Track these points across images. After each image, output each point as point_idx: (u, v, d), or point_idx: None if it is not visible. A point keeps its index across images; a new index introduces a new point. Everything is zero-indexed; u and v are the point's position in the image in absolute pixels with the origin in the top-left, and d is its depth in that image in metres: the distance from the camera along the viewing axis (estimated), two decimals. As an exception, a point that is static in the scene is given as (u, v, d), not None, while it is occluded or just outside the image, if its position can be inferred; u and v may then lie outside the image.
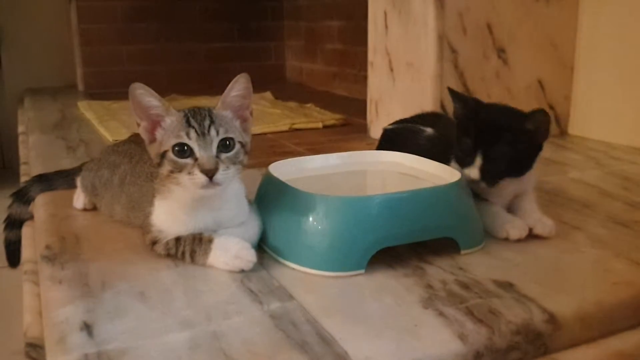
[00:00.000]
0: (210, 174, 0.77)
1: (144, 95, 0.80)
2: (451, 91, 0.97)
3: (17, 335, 0.91)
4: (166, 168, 0.79)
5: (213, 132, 0.78)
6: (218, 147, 0.78)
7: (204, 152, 0.77)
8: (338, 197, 0.83)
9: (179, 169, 0.78)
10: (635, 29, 1.49)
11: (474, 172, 0.91)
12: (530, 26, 1.57)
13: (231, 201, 0.85)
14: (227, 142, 0.79)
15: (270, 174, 0.92)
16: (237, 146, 0.80)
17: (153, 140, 0.82)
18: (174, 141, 0.78)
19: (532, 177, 0.96)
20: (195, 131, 0.78)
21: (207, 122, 0.79)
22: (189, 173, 0.77)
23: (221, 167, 0.78)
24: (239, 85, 0.83)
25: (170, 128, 0.80)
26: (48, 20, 3.00)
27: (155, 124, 0.82)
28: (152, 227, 0.86)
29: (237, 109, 0.84)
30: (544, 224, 0.91)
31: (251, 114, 0.86)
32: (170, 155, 0.78)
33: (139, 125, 0.82)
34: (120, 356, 0.61)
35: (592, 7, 1.60)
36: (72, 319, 0.68)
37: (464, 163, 0.92)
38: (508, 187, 0.93)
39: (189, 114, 0.80)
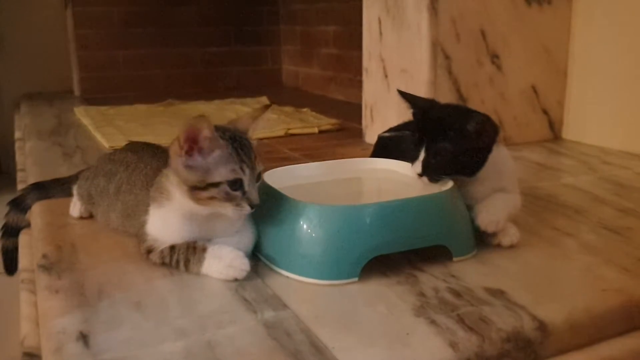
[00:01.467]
0: (256, 206, 0.82)
1: (207, 130, 0.79)
2: (400, 92, 0.99)
3: (14, 342, 0.92)
4: (209, 194, 0.80)
5: (257, 166, 0.83)
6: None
7: (252, 187, 0.82)
8: (332, 206, 0.84)
9: (228, 199, 0.81)
10: (628, 34, 1.51)
11: (417, 166, 0.92)
12: (524, 32, 1.58)
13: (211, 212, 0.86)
14: (260, 171, 0.85)
15: (264, 182, 0.93)
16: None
17: (191, 166, 0.81)
18: (231, 176, 0.80)
19: (505, 173, 0.96)
20: (247, 166, 0.81)
21: (252, 156, 0.82)
22: (237, 204, 0.81)
23: None
24: (266, 115, 0.87)
25: (222, 161, 0.80)
26: (44, 26, 3.01)
27: (198, 152, 0.81)
28: (147, 236, 0.87)
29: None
30: (487, 214, 0.90)
31: None
32: (225, 187, 0.80)
33: (181, 150, 0.80)
34: (116, 366, 0.62)
35: (585, 12, 1.61)
36: (68, 329, 0.69)
37: (412, 158, 0.94)
38: (474, 187, 0.94)
39: (237, 147, 0.81)
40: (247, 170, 0.81)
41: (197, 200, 0.81)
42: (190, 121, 0.79)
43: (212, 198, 0.81)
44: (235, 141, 0.82)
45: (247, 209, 0.81)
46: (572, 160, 1.48)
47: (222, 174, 0.80)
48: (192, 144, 0.80)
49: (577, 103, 1.66)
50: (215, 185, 0.80)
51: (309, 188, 1.00)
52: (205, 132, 0.79)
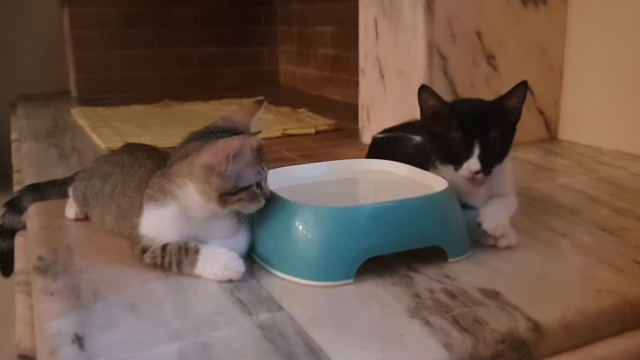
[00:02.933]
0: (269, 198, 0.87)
1: (254, 142, 0.83)
2: (426, 88, 0.95)
3: (9, 345, 0.92)
4: (239, 197, 0.83)
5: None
6: None
7: (266, 182, 0.87)
8: (327, 207, 0.85)
9: (253, 198, 0.84)
10: (623, 34, 1.51)
11: (474, 163, 0.90)
12: (520, 33, 1.58)
13: (224, 214, 0.86)
14: None
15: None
16: None
17: (226, 175, 0.82)
18: (258, 177, 0.84)
19: (505, 176, 0.97)
20: (265, 164, 0.86)
21: (264, 155, 0.86)
22: (259, 201, 0.85)
23: None
24: (261, 111, 0.90)
25: (249, 164, 0.83)
26: (41, 27, 3.00)
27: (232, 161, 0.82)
28: (141, 237, 0.87)
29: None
30: (492, 220, 0.90)
31: None
32: (254, 189, 0.83)
33: (227, 163, 0.80)
34: (110, 368, 0.62)
35: (580, 13, 1.62)
36: (63, 332, 0.69)
37: (459, 158, 0.91)
38: (475, 188, 0.94)
39: (255, 148, 0.84)
40: (265, 169, 0.86)
41: (226, 204, 0.83)
42: (242, 138, 0.81)
43: (240, 200, 0.83)
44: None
45: (262, 202, 0.85)
46: (568, 160, 1.48)
47: (250, 177, 0.83)
48: (240, 159, 0.82)
49: (572, 103, 1.66)
50: (246, 188, 0.83)
51: (304, 189, 1.01)
52: (253, 144, 0.83)
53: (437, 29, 1.46)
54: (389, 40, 1.57)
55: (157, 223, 0.86)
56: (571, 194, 1.21)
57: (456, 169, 0.92)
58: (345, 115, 2.07)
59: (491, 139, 0.90)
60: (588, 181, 1.29)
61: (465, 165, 0.91)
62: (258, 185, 0.84)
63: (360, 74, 1.71)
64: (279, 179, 0.97)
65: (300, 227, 0.83)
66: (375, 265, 0.83)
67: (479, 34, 1.53)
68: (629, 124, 1.52)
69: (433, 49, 1.47)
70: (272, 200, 0.88)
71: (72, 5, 2.76)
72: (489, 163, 0.91)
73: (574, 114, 1.67)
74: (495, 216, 0.91)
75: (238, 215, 0.87)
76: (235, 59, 3.08)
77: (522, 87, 0.93)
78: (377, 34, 1.61)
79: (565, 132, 1.69)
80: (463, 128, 0.91)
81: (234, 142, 0.80)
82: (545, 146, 1.62)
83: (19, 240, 1.14)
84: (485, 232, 0.91)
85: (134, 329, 0.70)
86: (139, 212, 0.88)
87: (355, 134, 1.79)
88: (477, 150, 0.90)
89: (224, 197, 0.82)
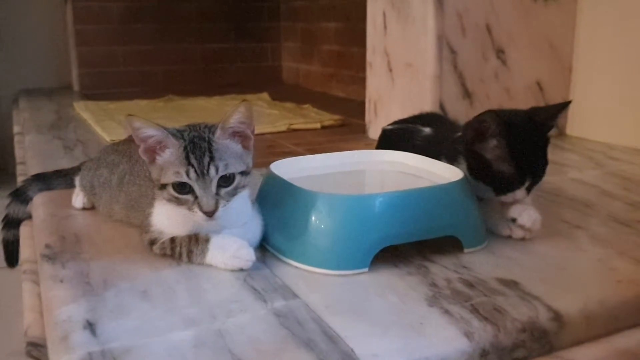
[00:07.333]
0: (210, 214, 0.77)
1: (142, 128, 0.78)
2: (493, 114, 0.88)
3: (15, 336, 0.90)
4: (167, 195, 0.79)
5: (212, 171, 0.77)
6: (217, 183, 0.78)
7: (203, 192, 0.77)
8: (341, 196, 0.83)
9: (179, 202, 0.78)
10: (633, 30, 1.50)
11: (520, 194, 0.89)
12: (529, 27, 1.57)
13: (235, 207, 0.84)
14: (227, 176, 0.78)
15: (272, 172, 0.92)
16: (237, 178, 0.79)
17: (153, 160, 0.80)
18: (173, 179, 0.77)
19: None
20: (195, 171, 0.76)
21: (206, 160, 0.77)
22: (189, 208, 0.78)
23: (221, 203, 0.78)
24: (238, 115, 0.80)
25: (170, 160, 0.78)
26: (43, 21, 2.99)
27: (155, 149, 0.80)
28: (151, 228, 0.86)
29: (239, 133, 0.82)
30: (529, 215, 0.89)
31: (253, 132, 0.83)
32: (171, 190, 0.78)
33: (139, 146, 0.80)
34: (124, 354, 0.60)
35: (590, 8, 1.60)
36: (74, 318, 0.67)
37: (505, 189, 0.90)
38: None
39: (188, 148, 0.77)
40: (193, 175, 0.76)
41: (166, 200, 0.80)
42: (127, 118, 0.77)
43: (170, 201, 0.79)
44: (192, 143, 0.77)
45: (199, 214, 0.77)
46: (578, 155, 1.47)
47: (168, 175, 0.77)
48: (140, 142, 0.78)
49: (582, 99, 1.65)
50: (164, 186, 0.78)
51: (316, 179, 0.99)
52: (137, 124, 0.77)
53: (446, 21, 1.45)
54: (398, 34, 1.56)
55: (168, 218, 0.84)
56: (583, 188, 1.19)
57: (497, 194, 0.91)
58: (349, 112, 2.05)
59: (541, 169, 0.90)
60: (600, 175, 1.28)
61: (511, 195, 0.90)
62: (185, 190, 0.77)
63: (368, 67, 1.69)
64: (289, 169, 0.96)
65: (315, 216, 0.81)
66: (390, 256, 0.82)
67: (488, 28, 1.51)
68: (638, 120, 1.51)
69: (443, 42, 1.46)
70: (285, 189, 0.87)
71: (75, 0, 2.75)
72: (532, 188, 0.91)
73: (583, 109, 1.65)
74: (529, 211, 0.90)
75: (241, 203, 0.83)
76: (239, 55, 3.06)
77: (567, 106, 0.96)
78: (385, 27, 1.60)
79: (574, 128, 1.68)
80: (518, 165, 0.88)
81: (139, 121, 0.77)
82: (554, 142, 1.56)
83: (24, 230, 1.12)
84: (520, 226, 0.90)
85: (147, 315, 0.68)
86: (150, 202, 0.87)
87: (361, 130, 1.77)
88: (527, 183, 0.89)
89: (160, 189, 0.79)
